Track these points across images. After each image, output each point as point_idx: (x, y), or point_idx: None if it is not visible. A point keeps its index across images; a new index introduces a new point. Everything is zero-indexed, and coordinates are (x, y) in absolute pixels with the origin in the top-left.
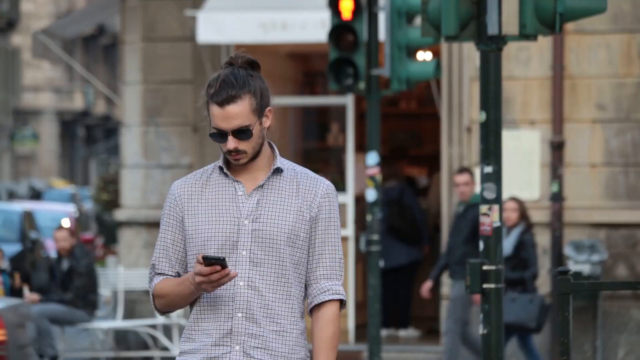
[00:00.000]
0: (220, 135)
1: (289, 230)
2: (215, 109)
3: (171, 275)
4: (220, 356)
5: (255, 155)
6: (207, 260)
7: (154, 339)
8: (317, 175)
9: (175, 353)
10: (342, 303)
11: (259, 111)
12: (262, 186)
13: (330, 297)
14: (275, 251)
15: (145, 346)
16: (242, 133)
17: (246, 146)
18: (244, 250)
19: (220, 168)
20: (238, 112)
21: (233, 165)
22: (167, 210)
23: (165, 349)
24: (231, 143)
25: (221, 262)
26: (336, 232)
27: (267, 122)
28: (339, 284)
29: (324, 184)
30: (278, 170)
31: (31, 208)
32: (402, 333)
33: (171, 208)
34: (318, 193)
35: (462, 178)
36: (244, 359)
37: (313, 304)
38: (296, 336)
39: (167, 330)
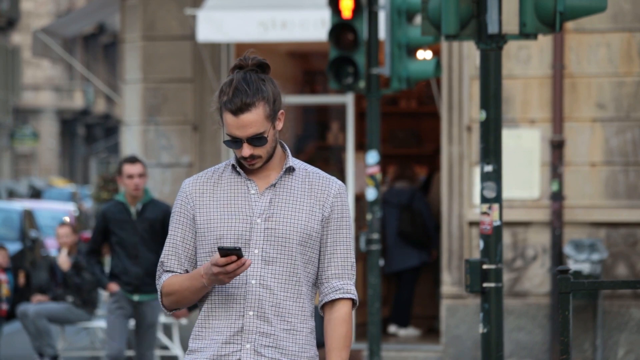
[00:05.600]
0: (235, 142)
1: (302, 229)
2: (229, 117)
3: (180, 273)
4: (231, 354)
5: (269, 157)
6: (223, 251)
7: None
8: (328, 175)
9: (175, 352)
10: (354, 303)
11: (273, 116)
12: (274, 185)
13: (341, 296)
14: (287, 250)
15: None
16: (257, 140)
17: (261, 151)
18: (257, 249)
19: (233, 166)
20: (252, 120)
21: None
22: (177, 207)
23: (165, 347)
24: (246, 150)
25: (237, 252)
26: (348, 232)
27: (279, 124)
28: (350, 284)
29: (336, 184)
30: (290, 170)
31: (31, 207)
32: (402, 332)
33: (182, 206)
34: (331, 193)
35: (136, 169)
36: (254, 357)
37: (324, 302)
38: (306, 335)
39: (167, 329)
